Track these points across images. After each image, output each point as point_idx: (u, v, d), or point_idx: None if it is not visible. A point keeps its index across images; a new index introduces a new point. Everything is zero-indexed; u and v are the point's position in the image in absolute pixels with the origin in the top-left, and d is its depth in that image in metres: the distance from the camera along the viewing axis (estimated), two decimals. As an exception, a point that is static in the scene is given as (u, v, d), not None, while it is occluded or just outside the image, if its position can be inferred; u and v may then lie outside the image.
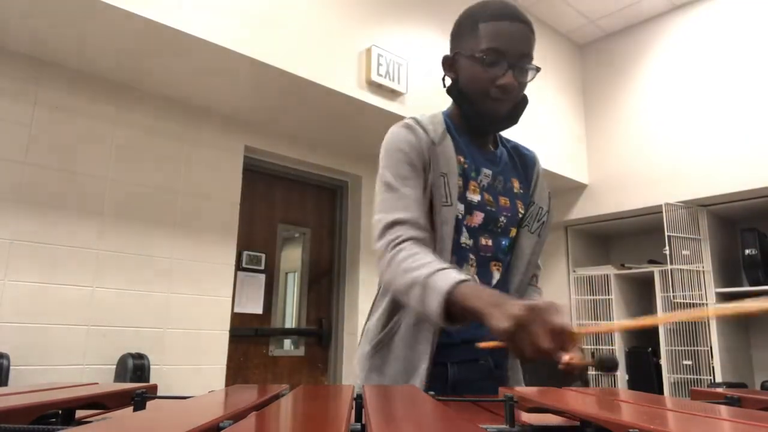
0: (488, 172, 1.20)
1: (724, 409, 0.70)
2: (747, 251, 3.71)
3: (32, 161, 2.45)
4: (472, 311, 0.88)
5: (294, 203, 3.57)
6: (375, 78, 2.91)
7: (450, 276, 0.93)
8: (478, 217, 1.16)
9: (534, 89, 4.78)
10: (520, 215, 1.23)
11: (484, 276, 1.17)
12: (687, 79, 3.98)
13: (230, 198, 3.09)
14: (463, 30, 1.17)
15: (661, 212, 3.75)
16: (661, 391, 3.81)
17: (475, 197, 1.16)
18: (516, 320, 0.80)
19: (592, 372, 4.21)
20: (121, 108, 2.75)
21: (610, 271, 4.35)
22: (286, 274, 3.52)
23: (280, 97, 2.91)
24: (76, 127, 2.59)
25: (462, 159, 1.16)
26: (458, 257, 1.13)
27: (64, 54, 2.49)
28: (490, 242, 1.18)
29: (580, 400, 0.77)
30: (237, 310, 3.14)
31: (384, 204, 1.09)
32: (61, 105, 2.56)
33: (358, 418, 0.66)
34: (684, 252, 3.74)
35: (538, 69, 1.15)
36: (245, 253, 3.24)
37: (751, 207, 3.80)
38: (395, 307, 1.15)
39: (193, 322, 2.83)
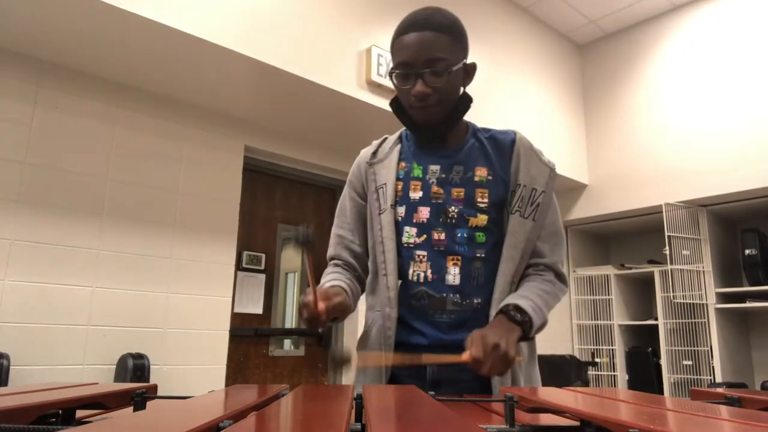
0: (436, 167, 1.23)
1: (724, 409, 0.70)
2: (747, 251, 3.71)
3: (32, 161, 2.45)
4: None
5: (294, 203, 3.56)
6: (375, 78, 2.91)
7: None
8: (424, 212, 1.20)
9: (534, 89, 4.79)
10: (483, 204, 1.20)
11: (438, 272, 1.18)
12: (687, 79, 3.98)
13: (230, 198, 3.09)
14: (390, 49, 1.23)
15: (661, 212, 3.75)
16: (661, 391, 3.81)
17: (417, 195, 1.22)
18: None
19: (592, 371, 4.21)
20: (121, 108, 2.75)
21: (610, 271, 4.35)
22: (286, 274, 3.52)
23: (280, 97, 2.91)
24: (76, 127, 2.59)
25: (404, 164, 1.26)
26: (404, 257, 1.21)
27: (64, 54, 2.49)
28: (443, 236, 1.19)
29: (580, 400, 0.77)
30: (237, 310, 3.14)
31: (333, 227, 1.35)
32: (61, 105, 2.56)
33: (358, 418, 0.66)
34: (684, 252, 3.74)
35: (467, 66, 1.21)
36: (245, 253, 3.24)
37: (751, 207, 3.80)
38: (369, 310, 1.26)
39: (193, 322, 2.83)
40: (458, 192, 1.21)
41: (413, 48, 1.14)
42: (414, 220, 1.21)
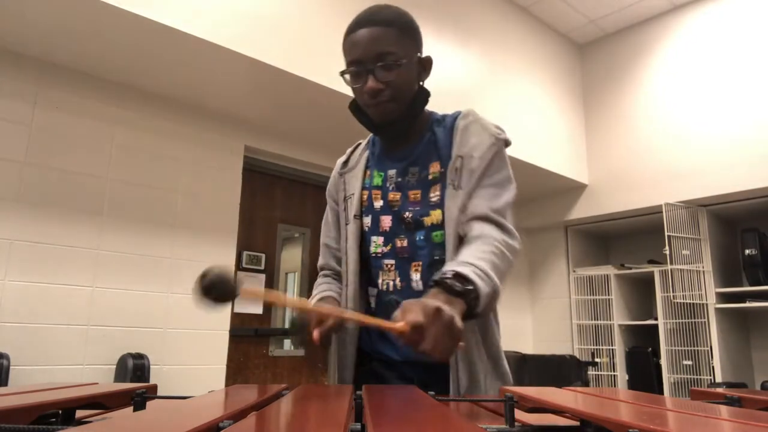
0: (392, 171, 1.21)
1: (724, 409, 0.70)
2: (747, 251, 3.71)
3: (32, 161, 2.45)
4: None
5: (294, 203, 3.57)
6: (375, 78, 2.91)
7: (312, 302, 1.18)
8: (387, 221, 1.20)
9: (534, 89, 4.77)
10: (436, 198, 1.14)
11: (405, 279, 1.17)
12: (687, 79, 3.98)
13: (230, 198, 3.09)
14: (342, 50, 1.20)
15: (661, 212, 3.75)
16: (661, 391, 3.81)
17: (379, 203, 1.21)
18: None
19: (592, 371, 4.21)
20: (121, 108, 2.75)
21: (610, 271, 4.35)
22: (286, 274, 3.52)
23: (280, 97, 2.91)
24: (76, 127, 2.59)
25: (368, 172, 1.25)
26: (373, 266, 1.21)
27: (65, 54, 2.49)
28: (405, 242, 1.17)
29: (580, 400, 0.77)
30: (237, 310, 3.14)
31: (321, 235, 1.36)
32: (61, 105, 2.56)
33: (358, 418, 0.66)
34: (684, 252, 3.74)
35: (423, 59, 1.17)
36: (245, 253, 3.24)
37: (751, 207, 3.80)
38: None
39: (193, 322, 2.83)
40: (415, 194, 1.17)
41: (361, 44, 1.11)
42: (380, 230, 1.20)
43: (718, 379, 3.59)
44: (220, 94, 2.89)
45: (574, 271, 4.53)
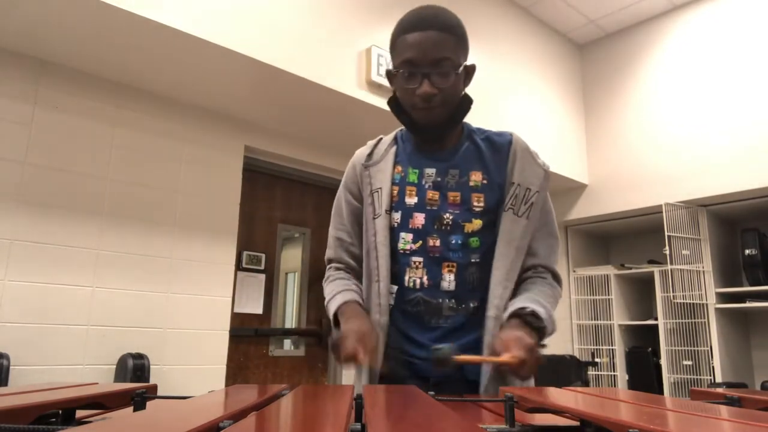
0: (431, 171, 1.21)
1: (724, 409, 0.70)
2: (747, 251, 3.71)
3: (32, 161, 2.45)
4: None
5: (294, 203, 3.57)
6: (375, 78, 2.91)
7: (335, 303, 1.19)
8: (420, 218, 1.19)
9: (534, 89, 4.78)
10: (479, 208, 1.18)
11: (433, 278, 1.17)
12: (687, 79, 3.98)
13: (230, 198, 3.09)
14: (390, 46, 1.21)
15: (661, 212, 3.75)
16: (661, 391, 3.81)
17: (413, 200, 1.20)
18: (340, 342, 1.03)
19: (592, 371, 4.21)
20: (121, 108, 2.75)
21: (610, 271, 4.35)
22: (286, 274, 3.52)
23: (280, 97, 2.91)
24: (76, 127, 2.59)
25: (400, 168, 1.24)
26: (400, 263, 1.20)
27: (64, 54, 2.49)
28: (438, 242, 1.17)
29: (580, 400, 0.77)
30: (237, 310, 3.14)
31: (330, 227, 1.34)
32: (61, 105, 2.56)
33: (358, 418, 0.66)
34: (684, 252, 3.74)
35: (468, 67, 1.19)
36: (245, 253, 3.24)
37: (751, 207, 3.80)
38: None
39: (193, 322, 2.83)
40: (454, 196, 1.19)
41: (420, 47, 1.11)
42: (410, 226, 1.19)
43: (718, 379, 3.59)
44: (220, 94, 2.89)
45: (574, 271, 4.53)
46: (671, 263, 3.70)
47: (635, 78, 4.29)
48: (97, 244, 2.58)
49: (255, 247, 3.31)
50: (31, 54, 2.49)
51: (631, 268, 4.35)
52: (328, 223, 1.37)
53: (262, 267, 3.32)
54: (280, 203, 3.50)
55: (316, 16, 2.78)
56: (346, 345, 1.01)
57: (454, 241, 1.17)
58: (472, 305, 1.17)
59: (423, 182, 1.21)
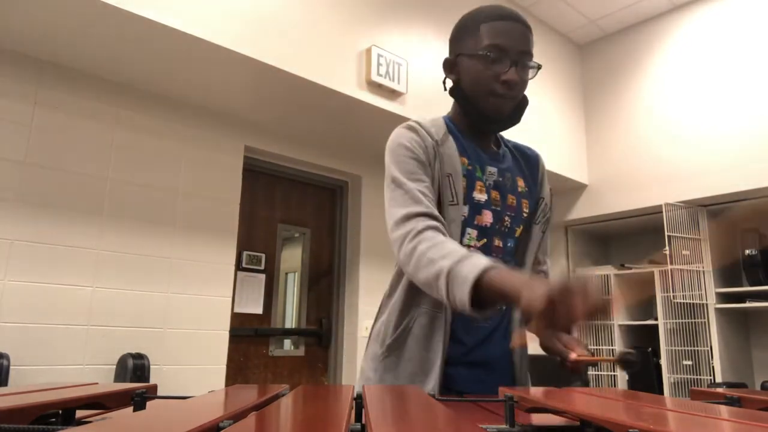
0: (493, 169, 1.19)
1: (724, 409, 0.70)
2: (747, 251, 3.71)
3: (32, 161, 2.45)
4: (502, 294, 0.89)
5: (294, 203, 3.56)
6: (375, 78, 2.91)
7: (475, 264, 0.92)
8: (488, 216, 1.15)
9: (534, 89, 4.78)
10: (525, 214, 1.22)
11: None
12: (687, 79, 3.98)
13: (230, 198, 3.09)
14: (464, 32, 1.18)
15: (661, 212, 3.75)
16: (661, 391, 3.81)
17: (482, 197, 1.15)
18: (549, 295, 0.80)
19: (592, 371, 4.21)
20: (121, 108, 2.75)
21: (610, 271, 4.35)
22: (286, 274, 3.52)
23: (280, 97, 2.91)
24: (76, 127, 2.59)
25: (465, 160, 1.16)
26: None
27: (64, 54, 2.49)
28: (500, 244, 1.17)
29: (580, 400, 0.77)
30: (237, 310, 3.14)
31: (394, 201, 1.09)
32: (61, 105, 2.56)
33: (358, 418, 0.66)
34: (684, 252, 3.74)
35: (539, 66, 1.17)
36: (245, 253, 3.24)
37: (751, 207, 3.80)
38: (407, 308, 1.13)
39: (193, 322, 2.83)
40: (512, 199, 1.20)
41: (512, 35, 1.12)
42: (476, 223, 1.14)
43: (718, 379, 3.58)
44: (220, 94, 2.89)
45: (574, 271, 4.53)
46: (671, 263, 3.70)
47: (635, 78, 4.29)
48: (97, 244, 2.58)
49: (255, 247, 3.31)
50: (31, 54, 2.49)
51: (631, 268, 4.35)
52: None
53: (262, 267, 3.32)
54: (280, 203, 3.50)
55: (317, 16, 2.78)
56: (591, 291, 0.80)
57: (509, 244, 1.19)
58: (502, 308, 1.19)
59: (485, 179, 1.17)
